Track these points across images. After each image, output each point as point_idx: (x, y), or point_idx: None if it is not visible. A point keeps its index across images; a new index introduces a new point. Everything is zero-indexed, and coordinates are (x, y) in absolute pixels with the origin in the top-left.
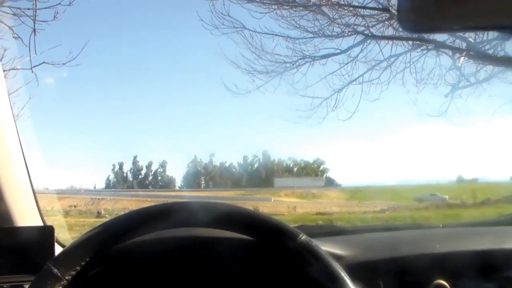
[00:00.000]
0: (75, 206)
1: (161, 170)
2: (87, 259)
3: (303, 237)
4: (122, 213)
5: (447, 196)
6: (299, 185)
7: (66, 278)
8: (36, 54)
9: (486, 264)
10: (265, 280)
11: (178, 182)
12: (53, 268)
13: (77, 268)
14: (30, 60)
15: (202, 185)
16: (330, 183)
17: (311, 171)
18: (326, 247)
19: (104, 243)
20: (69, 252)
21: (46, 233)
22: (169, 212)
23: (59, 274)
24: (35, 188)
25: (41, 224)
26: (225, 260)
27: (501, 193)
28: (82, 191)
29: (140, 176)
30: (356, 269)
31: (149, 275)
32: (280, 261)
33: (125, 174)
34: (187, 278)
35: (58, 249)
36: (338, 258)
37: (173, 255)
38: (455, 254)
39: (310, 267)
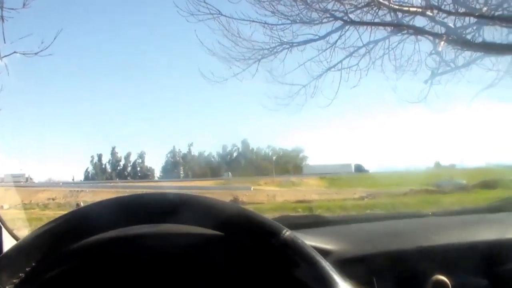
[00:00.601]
0: (53, 199)
1: (140, 161)
2: (34, 264)
3: (287, 233)
4: None
5: (464, 181)
6: (326, 171)
7: (7, 287)
8: (5, 43)
9: (488, 256)
10: (242, 282)
11: (157, 173)
12: None
13: (20, 275)
14: None
15: (181, 175)
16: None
17: (290, 159)
18: (312, 241)
19: (55, 243)
20: (9, 255)
21: None
22: (128, 205)
23: None
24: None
25: None
26: (194, 260)
27: (479, 178)
28: (61, 183)
29: (119, 168)
30: (346, 266)
31: (113, 277)
32: (259, 261)
33: (104, 166)
34: (155, 278)
35: None
36: (325, 253)
37: (139, 253)
38: (454, 245)
39: (296, 267)
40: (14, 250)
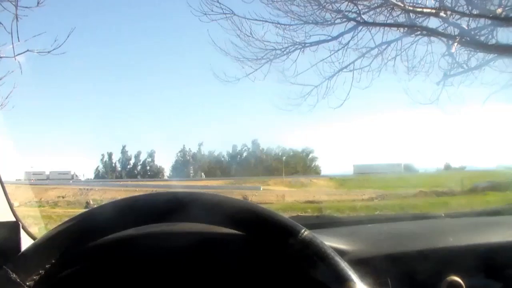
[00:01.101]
0: (63, 197)
1: (150, 159)
2: (54, 261)
3: (305, 232)
4: None
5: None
6: (377, 171)
7: (28, 283)
8: (19, 41)
9: (503, 258)
10: (260, 281)
11: (167, 172)
12: (11, 273)
13: (40, 272)
14: (13, 48)
15: (191, 174)
16: (318, 172)
17: (300, 159)
18: (328, 241)
19: (73, 241)
20: (30, 253)
21: (9, 230)
22: (146, 205)
23: (18, 280)
24: (13, 180)
25: (11, 218)
26: (213, 258)
27: (490, 181)
28: (71, 181)
29: (128, 166)
30: (362, 266)
31: (131, 276)
32: (278, 260)
33: (114, 164)
34: (171, 277)
35: None
36: (341, 253)
37: (155, 252)
38: (468, 247)
39: (314, 267)
40: (34, 248)
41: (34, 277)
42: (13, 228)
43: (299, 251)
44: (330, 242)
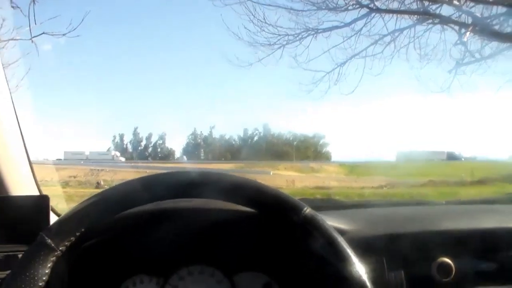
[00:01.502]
0: (74, 177)
1: (161, 142)
2: (82, 230)
3: (307, 209)
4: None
5: None
6: (421, 157)
7: (60, 248)
8: (35, 24)
9: (491, 242)
10: (268, 253)
11: (178, 154)
12: (46, 238)
13: (71, 238)
14: (30, 31)
15: (202, 157)
16: (329, 157)
17: (311, 145)
18: (330, 221)
19: (100, 213)
20: (63, 222)
21: (41, 203)
22: (169, 181)
23: (52, 245)
24: (33, 158)
25: (37, 193)
26: (227, 232)
27: (500, 172)
28: (82, 161)
29: (140, 148)
30: (359, 245)
31: (147, 247)
32: (283, 235)
33: (125, 146)
34: (188, 250)
35: (54, 219)
36: (341, 232)
37: (173, 226)
38: (460, 231)
39: (315, 241)
40: (66, 217)
41: (66, 243)
42: (44, 200)
43: (301, 226)
44: (332, 222)
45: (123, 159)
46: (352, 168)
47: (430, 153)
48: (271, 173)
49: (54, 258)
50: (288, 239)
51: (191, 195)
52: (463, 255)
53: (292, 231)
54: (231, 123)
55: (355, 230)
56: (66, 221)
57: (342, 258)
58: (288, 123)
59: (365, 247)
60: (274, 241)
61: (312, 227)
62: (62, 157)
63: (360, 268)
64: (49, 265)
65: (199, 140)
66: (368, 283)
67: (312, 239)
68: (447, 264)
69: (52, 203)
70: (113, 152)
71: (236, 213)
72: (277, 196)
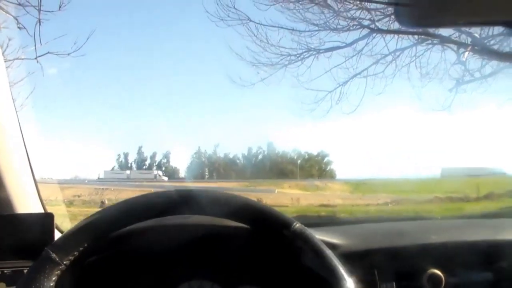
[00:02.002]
0: (79, 196)
1: (165, 161)
2: (85, 245)
3: (297, 225)
4: None
5: None
6: (466, 173)
7: (64, 263)
8: (41, 44)
9: (480, 254)
10: (264, 268)
11: (182, 173)
12: (51, 253)
13: (75, 253)
14: (36, 50)
15: (206, 176)
16: (333, 175)
17: (315, 163)
18: (322, 236)
19: (102, 229)
20: (67, 237)
21: (46, 220)
22: (168, 199)
23: (57, 259)
24: (37, 177)
25: (42, 211)
26: (222, 247)
27: (505, 187)
28: (86, 181)
29: (144, 167)
30: (351, 259)
31: (149, 263)
32: (275, 250)
33: (129, 165)
34: (188, 265)
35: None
36: (333, 247)
37: (173, 242)
38: (449, 244)
39: (304, 255)
40: (69, 233)
41: (70, 258)
42: (49, 218)
43: (291, 241)
44: (324, 237)
45: (166, 178)
46: (357, 186)
47: (475, 169)
48: (276, 192)
49: (58, 272)
50: (281, 254)
51: (188, 212)
52: (452, 267)
53: (284, 246)
54: (235, 142)
55: (347, 245)
56: (70, 237)
57: (330, 271)
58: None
59: (357, 260)
60: (270, 255)
61: (301, 241)
62: (102, 176)
63: (348, 280)
64: (53, 278)
65: (203, 159)
66: None
67: (302, 252)
68: (437, 276)
69: (57, 221)
70: (155, 171)
71: (233, 229)
72: (269, 212)
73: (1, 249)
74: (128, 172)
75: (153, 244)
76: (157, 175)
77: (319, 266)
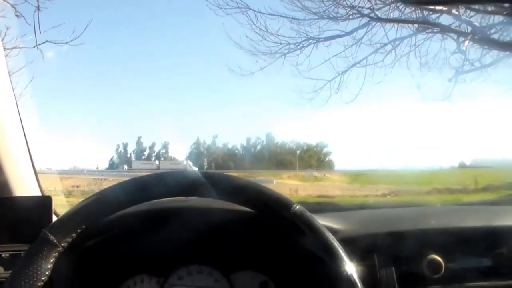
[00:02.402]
0: (77, 186)
1: (164, 151)
2: (83, 227)
3: (297, 207)
4: None
5: None
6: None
7: (62, 245)
8: (40, 32)
9: (480, 240)
10: (264, 253)
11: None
12: (49, 235)
13: (73, 235)
14: (36, 39)
15: (205, 166)
16: (332, 166)
17: (314, 153)
18: (321, 221)
19: (99, 211)
20: (65, 219)
21: (44, 203)
22: (165, 180)
23: (55, 241)
24: (36, 167)
25: (39, 194)
26: (223, 232)
27: (503, 179)
28: (85, 171)
29: (143, 157)
30: (351, 243)
31: (147, 247)
32: (277, 233)
33: (128, 155)
34: (187, 250)
35: None
36: (333, 232)
37: (171, 226)
38: (449, 230)
39: (304, 237)
40: (67, 215)
41: (68, 240)
42: (47, 201)
43: (291, 223)
44: (325, 221)
45: (196, 168)
46: (356, 177)
47: (504, 160)
48: (274, 182)
49: (56, 254)
50: (281, 237)
51: (186, 194)
52: (452, 253)
53: (283, 228)
54: (234, 132)
55: (347, 230)
56: (68, 218)
57: (330, 253)
58: (290, 132)
59: (356, 245)
60: (270, 240)
61: (301, 223)
62: (132, 167)
63: (348, 263)
64: (51, 260)
65: (202, 149)
66: (355, 277)
67: (301, 235)
68: (437, 261)
69: (56, 211)
70: (185, 162)
71: (232, 213)
72: (268, 193)
73: None
74: (157, 162)
75: (151, 228)
76: (187, 165)
77: (319, 248)
